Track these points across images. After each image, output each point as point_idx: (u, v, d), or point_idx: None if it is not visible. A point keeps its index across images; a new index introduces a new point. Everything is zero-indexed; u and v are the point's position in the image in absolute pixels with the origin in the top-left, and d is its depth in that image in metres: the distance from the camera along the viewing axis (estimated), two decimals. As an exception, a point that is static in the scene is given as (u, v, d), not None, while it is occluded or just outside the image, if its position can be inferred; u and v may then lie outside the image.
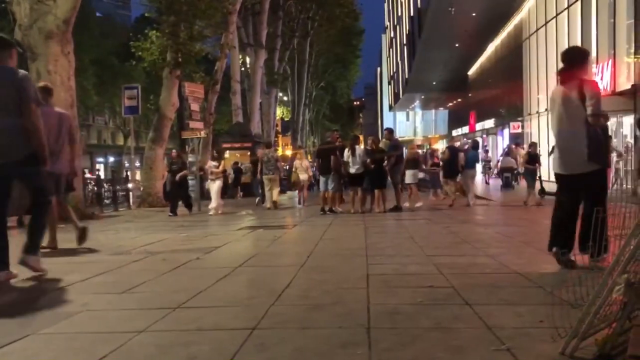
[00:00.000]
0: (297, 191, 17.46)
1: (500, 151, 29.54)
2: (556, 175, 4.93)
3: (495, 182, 24.81)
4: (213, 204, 13.28)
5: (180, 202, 13.45)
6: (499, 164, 22.94)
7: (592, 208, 3.94)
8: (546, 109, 24.44)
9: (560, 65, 4.94)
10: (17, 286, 4.56)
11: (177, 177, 13.31)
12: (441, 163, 15.12)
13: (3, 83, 4.52)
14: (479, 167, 21.34)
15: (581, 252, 4.15)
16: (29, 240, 4.76)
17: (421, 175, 15.69)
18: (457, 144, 17.77)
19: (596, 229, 3.24)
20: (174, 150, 14.76)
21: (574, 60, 4.84)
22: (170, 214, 12.93)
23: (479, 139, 37.74)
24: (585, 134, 4.50)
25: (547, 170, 19.46)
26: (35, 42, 11.80)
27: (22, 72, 4.71)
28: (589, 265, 3.66)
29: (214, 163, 14.17)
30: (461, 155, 14.11)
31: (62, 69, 11.99)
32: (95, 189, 16.40)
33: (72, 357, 2.76)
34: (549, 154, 12.93)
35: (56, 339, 3.07)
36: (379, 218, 10.70)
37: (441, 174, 15.08)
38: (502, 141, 32.41)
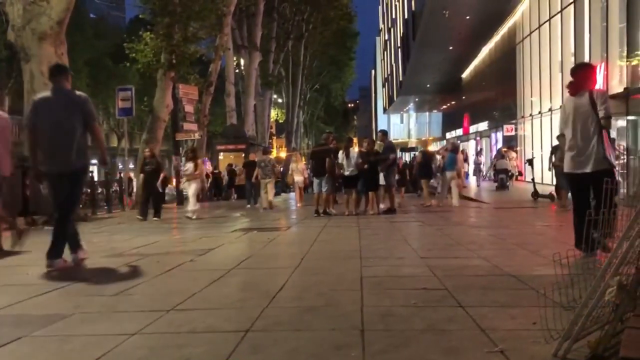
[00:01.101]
0: (292, 193, 17.96)
1: (493, 153, 29.73)
2: (569, 174, 5.41)
3: (488, 184, 24.94)
4: (191, 206, 12.44)
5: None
6: (495, 165, 23.13)
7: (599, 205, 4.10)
8: (539, 112, 24.62)
9: (568, 78, 5.50)
10: (13, 288, 4.54)
11: (159, 182, 12.67)
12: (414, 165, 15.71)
13: (69, 105, 5.36)
14: (471, 169, 21.65)
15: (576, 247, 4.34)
16: (60, 241, 5.56)
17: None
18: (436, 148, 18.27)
19: (589, 226, 3.25)
20: (146, 149, 13.90)
21: (582, 74, 5.46)
22: (140, 217, 12.09)
23: (473, 142, 37.93)
24: (598, 135, 5.07)
25: (541, 173, 19.64)
26: (28, 43, 11.76)
27: (82, 94, 5.57)
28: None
29: (189, 164, 12.90)
30: (438, 157, 14.62)
31: (55, 70, 11.93)
32: (89, 190, 16.29)
33: (64, 360, 2.75)
34: (550, 157, 13.35)
35: (48, 341, 3.05)
36: (373, 220, 10.70)
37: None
38: (496, 143, 32.50)
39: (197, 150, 14.16)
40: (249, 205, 16.65)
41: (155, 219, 12.16)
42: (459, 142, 30.99)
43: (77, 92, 5.56)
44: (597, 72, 18.70)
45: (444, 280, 4.37)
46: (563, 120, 5.50)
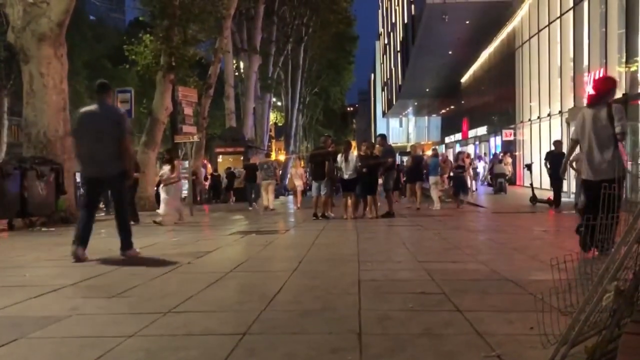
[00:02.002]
0: (291, 196, 18.66)
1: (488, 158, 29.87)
2: (585, 181, 5.77)
3: (484, 188, 25.03)
4: (161, 210, 11.50)
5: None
6: (492, 170, 23.29)
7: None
8: (538, 117, 24.66)
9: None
10: (10, 289, 4.53)
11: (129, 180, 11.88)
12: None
13: (108, 119, 6.14)
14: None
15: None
16: (123, 237, 6.33)
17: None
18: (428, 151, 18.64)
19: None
20: None
21: (603, 87, 5.80)
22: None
23: (472, 146, 37.95)
24: (615, 147, 5.47)
25: (540, 178, 19.64)
26: (28, 45, 11.76)
27: (120, 109, 6.65)
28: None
29: (166, 167, 11.88)
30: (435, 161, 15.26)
31: (54, 72, 11.95)
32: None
33: (60, 362, 2.74)
34: (546, 162, 13.69)
35: (44, 343, 3.04)
36: (371, 224, 10.70)
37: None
38: (494, 148, 32.54)
39: (174, 152, 12.92)
40: (250, 208, 17.06)
41: (132, 223, 11.38)
42: (463, 148, 31.20)
43: (116, 108, 6.60)
44: (596, 77, 18.78)
45: (441, 285, 4.37)
46: (579, 127, 5.77)
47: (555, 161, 13.18)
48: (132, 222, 10.88)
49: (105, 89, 6.43)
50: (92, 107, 6.33)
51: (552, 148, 14.34)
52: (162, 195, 11.70)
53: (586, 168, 5.68)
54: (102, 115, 6.20)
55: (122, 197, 6.48)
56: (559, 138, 17.57)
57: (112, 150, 6.11)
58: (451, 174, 16.78)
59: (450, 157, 22.21)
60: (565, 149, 14.60)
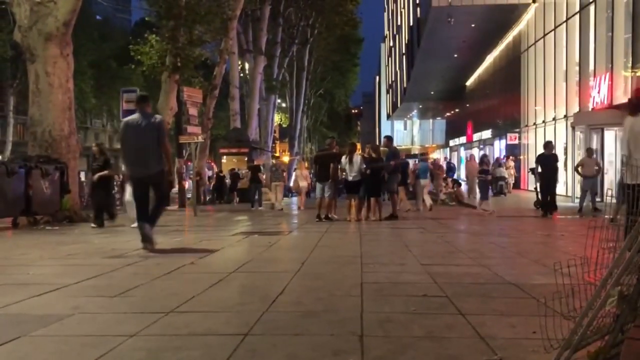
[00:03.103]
0: (294, 197, 19.70)
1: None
2: (630, 185, 5.84)
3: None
4: (132, 214, 10.14)
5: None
6: (494, 173, 23.42)
7: None
8: (543, 121, 24.61)
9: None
10: (13, 287, 4.54)
11: (96, 177, 10.86)
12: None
13: (149, 126, 6.90)
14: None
15: None
16: (151, 221, 6.99)
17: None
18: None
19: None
20: (94, 145, 11.89)
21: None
22: (94, 225, 10.61)
23: (477, 149, 37.87)
24: None
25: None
26: (34, 44, 11.80)
27: (159, 117, 7.32)
28: None
29: None
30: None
31: (60, 71, 11.99)
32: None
33: (61, 360, 2.74)
34: (536, 167, 13.27)
35: (46, 341, 3.04)
36: (375, 226, 10.69)
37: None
38: (499, 152, 32.47)
39: None
40: (253, 208, 17.45)
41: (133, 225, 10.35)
42: (469, 152, 31.38)
43: (155, 115, 7.30)
44: (602, 82, 18.75)
45: (444, 288, 4.36)
46: (623, 135, 6.28)
47: (548, 164, 12.96)
48: (108, 219, 10.92)
49: (145, 100, 7.33)
50: (135, 116, 7.10)
51: (542, 151, 13.83)
52: (127, 196, 10.65)
53: (629, 172, 5.95)
54: (144, 123, 6.96)
55: (162, 194, 7.25)
56: (550, 140, 17.39)
57: (153, 153, 6.93)
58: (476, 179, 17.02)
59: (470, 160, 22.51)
60: (556, 151, 14.51)
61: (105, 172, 10.88)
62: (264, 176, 19.71)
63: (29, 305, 3.90)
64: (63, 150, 11.91)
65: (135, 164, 7.05)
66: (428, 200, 15.93)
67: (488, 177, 15.63)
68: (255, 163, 20.23)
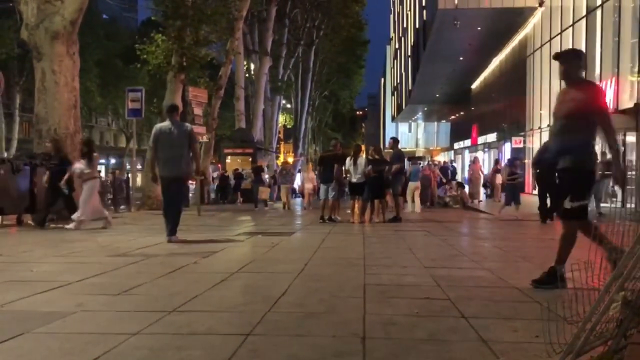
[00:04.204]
0: (298, 198, 20.80)
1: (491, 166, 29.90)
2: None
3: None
4: (78, 213, 9.87)
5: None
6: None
7: None
8: (549, 125, 24.53)
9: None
10: (17, 284, 4.56)
11: (62, 182, 10.10)
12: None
13: (180, 133, 7.81)
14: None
15: None
16: (172, 225, 7.84)
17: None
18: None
19: None
20: (48, 141, 11.28)
21: None
22: (33, 223, 10.29)
23: (481, 152, 37.82)
24: None
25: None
26: (41, 42, 11.86)
27: (189, 125, 8.32)
28: None
29: (81, 162, 10.18)
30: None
31: (66, 70, 12.03)
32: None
33: (64, 358, 2.75)
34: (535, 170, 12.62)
35: (49, 338, 3.05)
36: (378, 228, 10.68)
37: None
38: (504, 155, 32.40)
39: (91, 144, 10.93)
40: (256, 208, 18.21)
41: (69, 226, 9.85)
42: (473, 154, 31.40)
43: (186, 124, 8.34)
44: (608, 86, 18.69)
45: (447, 291, 4.35)
46: None
47: (550, 167, 12.21)
48: (69, 226, 9.86)
49: (175, 109, 8.35)
50: (166, 123, 8.03)
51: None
52: (83, 194, 10.04)
53: None
54: (175, 130, 7.85)
55: (181, 194, 8.27)
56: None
57: (182, 156, 7.81)
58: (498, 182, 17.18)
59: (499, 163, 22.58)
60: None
61: (68, 174, 10.15)
62: (266, 176, 20.13)
63: (33, 302, 3.91)
64: (68, 148, 11.95)
65: (167, 166, 7.87)
66: (418, 203, 16.25)
67: (519, 180, 15.11)
68: (258, 164, 20.70)
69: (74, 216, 9.90)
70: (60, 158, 10.63)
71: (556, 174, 4.70)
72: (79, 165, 10.15)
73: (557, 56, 4.80)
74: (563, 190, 4.55)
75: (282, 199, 19.22)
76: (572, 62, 4.73)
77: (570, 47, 22.62)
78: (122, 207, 17.09)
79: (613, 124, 4.47)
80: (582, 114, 4.46)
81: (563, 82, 4.77)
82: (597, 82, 19.65)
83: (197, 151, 8.33)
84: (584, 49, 21.24)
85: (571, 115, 4.54)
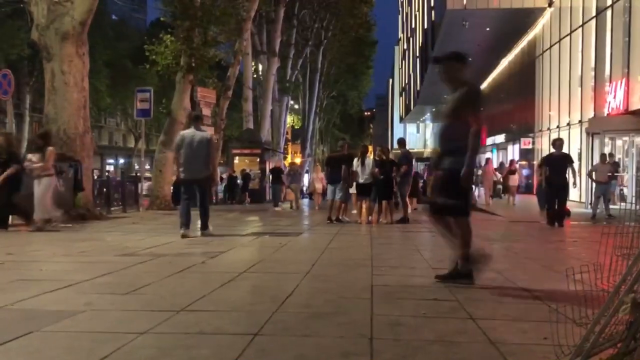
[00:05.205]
0: (305, 199, 21.81)
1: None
2: None
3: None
4: (39, 213, 9.26)
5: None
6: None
7: None
8: (558, 126, 24.43)
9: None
10: (27, 283, 4.59)
11: (1, 178, 9.21)
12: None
13: (202, 141, 8.57)
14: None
15: None
16: (203, 221, 8.80)
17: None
18: None
19: None
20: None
21: None
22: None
23: (489, 154, 37.70)
24: None
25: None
26: (51, 43, 11.93)
27: (209, 133, 9.48)
28: None
29: (34, 156, 9.37)
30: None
31: (76, 70, 12.10)
32: (105, 190, 16.44)
33: (72, 356, 2.76)
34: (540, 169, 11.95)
35: (58, 337, 3.07)
36: (386, 229, 10.66)
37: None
38: (512, 156, 32.27)
39: (48, 137, 9.96)
40: (277, 208, 19.09)
41: (25, 228, 9.41)
42: (484, 155, 31.53)
43: (206, 132, 9.21)
44: (618, 87, 18.57)
45: (455, 292, 4.34)
46: None
47: (557, 166, 11.04)
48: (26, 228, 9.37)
49: (198, 119, 9.26)
50: (190, 130, 8.83)
51: (552, 150, 11.73)
52: (37, 192, 9.32)
53: None
54: (197, 137, 8.59)
55: (205, 195, 8.95)
56: (560, 137, 16.84)
57: (203, 161, 8.56)
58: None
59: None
60: (566, 149, 13.62)
61: (12, 170, 9.26)
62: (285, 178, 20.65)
63: (42, 301, 3.94)
64: (77, 148, 12.02)
65: (189, 169, 8.57)
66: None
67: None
68: (276, 165, 21.65)
69: (36, 216, 9.22)
70: (9, 154, 9.63)
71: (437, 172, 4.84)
72: (35, 157, 9.27)
73: (436, 60, 4.98)
74: (440, 188, 4.73)
75: (291, 198, 19.91)
76: (450, 65, 4.83)
77: (580, 47, 22.52)
78: (119, 207, 17.14)
79: (479, 128, 4.54)
80: (459, 117, 4.60)
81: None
82: (607, 83, 19.56)
83: (215, 158, 9.16)
84: (593, 50, 21.16)
85: (449, 118, 4.72)
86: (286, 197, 21.16)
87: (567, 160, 11.29)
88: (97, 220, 11.76)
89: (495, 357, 2.76)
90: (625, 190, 18.54)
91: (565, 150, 12.97)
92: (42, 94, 12.97)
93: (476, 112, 4.59)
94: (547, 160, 11.49)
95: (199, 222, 8.88)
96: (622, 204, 13.39)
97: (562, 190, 11.18)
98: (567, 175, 11.07)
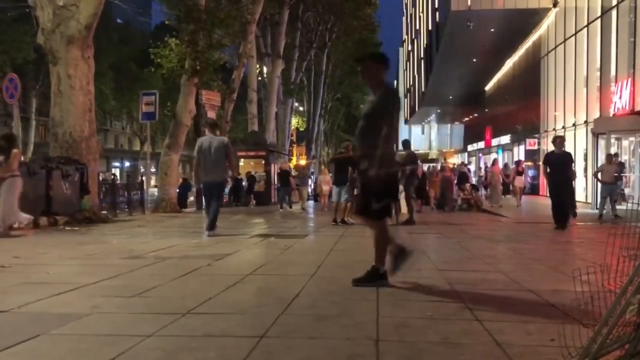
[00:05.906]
0: (311, 201, 22.61)
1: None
2: None
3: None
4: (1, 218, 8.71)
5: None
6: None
7: None
8: (563, 127, 24.34)
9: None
10: (33, 286, 4.61)
11: None
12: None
13: (219, 145, 9.14)
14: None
15: None
16: (211, 221, 9.23)
17: None
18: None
19: None
20: None
21: None
22: None
23: (494, 155, 37.64)
24: None
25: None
26: (57, 47, 12.00)
27: (225, 139, 9.68)
28: None
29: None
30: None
31: (81, 74, 12.16)
32: (110, 193, 16.48)
33: (79, 359, 2.78)
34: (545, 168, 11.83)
35: (65, 339, 3.08)
36: (391, 231, 10.62)
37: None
38: (518, 157, 32.19)
39: (13, 139, 9.57)
40: (289, 207, 19.81)
41: None
42: (491, 156, 30.99)
43: (223, 138, 9.65)
44: (623, 87, 18.50)
45: (461, 293, 4.33)
46: None
47: (559, 164, 10.74)
48: None
49: (216, 125, 10.29)
50: (207, 136, 9.51)
51: (553, 148, 11.25)
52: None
53: None
54: (215, 142, 9.19)
55: (220, 196, 9.98)
56: (561, 134, 16.68)
57: (220, 165, 9.18)
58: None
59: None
60: (567, 148, 13.32)
61: None
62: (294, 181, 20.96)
63: (49, 304, 3.95)
64: (83, 152, 12.08)
65: (207, 173, 9.19)
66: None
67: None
68: (283, 168, 21.76)
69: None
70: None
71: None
72: None
73: (356, 59, 5.19)
74: (368, 192, 4.78)
75: (302, 203, 20.52)
76: (370, 65, 4.81)
77: (585, 47, 22.45)
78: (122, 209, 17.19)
79: (389, 132, 4.55)
80: (373, 118, 4.63)
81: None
82: (613, 84, 19.48)
83: (233, 160, 9.94)
84: (599, 50, 21.07)
85: (365, 119, 4.75)
86: (294, 198, 21.46)
87: (566, 159, 11.16)
88: (103, 223, 11.80)
89: (501, 359, 2.75)
90: (626, 190, 18.44)
91: (570, 151, 12.98)
92: (48, 98, 13.04)
93: (388, 115, 4.59)
94: (548, 159, 11.25)
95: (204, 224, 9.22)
96: (627, 204, 13.27)
97: (564, 187, 11.04)
98: (569, 174, 11.08)
